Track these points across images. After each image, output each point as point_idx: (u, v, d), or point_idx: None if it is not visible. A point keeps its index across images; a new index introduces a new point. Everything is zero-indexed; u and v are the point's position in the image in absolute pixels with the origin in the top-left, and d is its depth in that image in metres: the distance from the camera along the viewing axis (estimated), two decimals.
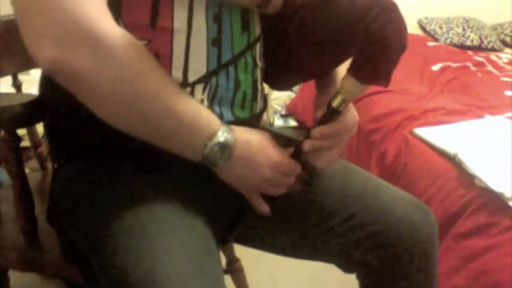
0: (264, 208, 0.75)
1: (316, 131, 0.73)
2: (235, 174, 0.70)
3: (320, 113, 0.76)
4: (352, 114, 0.78)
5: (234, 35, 0.72)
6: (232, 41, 0.71)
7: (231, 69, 0.72)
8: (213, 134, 0.65)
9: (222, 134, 0.66)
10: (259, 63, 0.79)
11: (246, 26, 0.74)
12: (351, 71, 0.70)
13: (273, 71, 0.83)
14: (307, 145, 0.73)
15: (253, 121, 0.78)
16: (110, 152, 0.71)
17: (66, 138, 0.76)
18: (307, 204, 0.81)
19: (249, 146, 0.69)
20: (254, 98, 0.78)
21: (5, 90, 1.13)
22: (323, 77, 0.84)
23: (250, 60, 0.75)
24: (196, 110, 0.65)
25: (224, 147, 0.66)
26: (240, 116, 0.75)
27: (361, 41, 0.67)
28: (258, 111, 0.80)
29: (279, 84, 0.90)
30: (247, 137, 0.70)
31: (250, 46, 0.75)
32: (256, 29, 0.77)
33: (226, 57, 0.71)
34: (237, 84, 0.73)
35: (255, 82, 0.77)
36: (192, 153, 0.66)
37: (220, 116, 0.71)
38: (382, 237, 0.77)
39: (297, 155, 0.74)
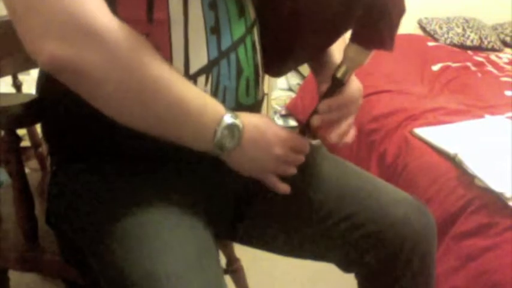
0: (284, 186, 0.74)
1: (323, 105, 0.74)
2: (247, 158, 0.70)
3: (324, 87, 0.76)
4: (356, 85, 0.78)
5: (231, 21, 0.71)
6: (230, 28, 0.71)
7: (232, 56, 0.72)
8: (220, 119, 0.65)
9: (229, 118, 0.66)
10: (258, 47, 0.78)
11: (242, 11, 0.73)
12: (354, 39, 0.70)
13: (269, 55, 0.83)
14: (315, 120, 0.73)
15: (257, 107, 0.79)
16: (108, 153, 0.71)
17: (64, 140, 0.76)
18: (306, 204, 0.81)
19: (257, 128, 0.69)
20: (257, 83, 0.78)
21: (5, 90, 1.13)
22: (319, 57, 0.84)
23: (249, 46, 0.75)
24: (200, 96, 0.65)
25: (233, 129, 0.66)
26: (245, 103, 0.75)
27: (357, 14, 0.68)
28: (260, 97, 0.80)
29: (276, 68, 0.90)
30: (253, 120, 0.70)
31: (249, 31, 0.75)
32: (251, 13, 0.76)
33: (226, 44, 0.71)
34: (240, 70, 0.73)
35: (256, 67, 0.77)
36: (201, 141, 0.66)
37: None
38: (381, 237, 0.77)
39: (305, 133, 0.74)
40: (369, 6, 0.66)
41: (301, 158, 0.74)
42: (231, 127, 0.66)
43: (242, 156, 0.69)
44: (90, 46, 0.57)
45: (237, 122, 0.66)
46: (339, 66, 0.73)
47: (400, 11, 0.68)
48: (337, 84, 0.73)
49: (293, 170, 0.74)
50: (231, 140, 0.66)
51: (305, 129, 0.75)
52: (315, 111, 0.74)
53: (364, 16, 0.68)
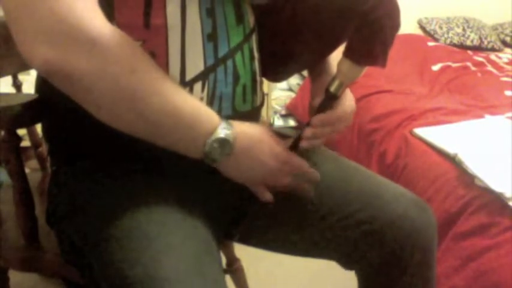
0: (267, 195, 0.74)
1: (317, 119, 0.74)
2: (238, 168, 0.69)
3: (318, 100, 0.76)
4: (349, 102, 0.78)
5: (229, 28, 0.71)
6: (228, 35, 0.71)
7: (229, 63, 0.72)
8: (213, 130, 0.65)
9: (222, 130, 0.65)
10: (256, 54, 0.78)
11: (240, 18, 0.73)
12: (346, 54, 0.70)
13: (268, 62, 0.83)
14: (308, 133, 0.74)
15: (254, 114, 0.79)
16: (108, 152, 0.71)
17: (64, 140, 0.76)
18: (307, 202, 0.81)
19: (250, 139, 0.69)
20: (254, 90, 0.78)
21: (5, 90, 1.13)
22: (317, 65, 0.84)
23: (247, 53, 0.75)
24: (195, 105, 0.65)
25: (224, 143, 0.65)
26: (241, 110, 0.75)
27: (354, 24, 0.68)
28: (258, 103, 0.80)
29: (274, 75, 0.90)
30: (247, 131, 0.69)
31: (247, 38, 0.75)
32: (251, 21, 0.77)
33: (223, 51, 0.71)
34: (236, 77, 0.73)
35: (253, 74, 0.77)
36: (192, 150, 0.66)
37: (219, 112, 0.70)
38: (382, 234, 0.77)
39: (297, 146, 0.74)
40: (365, 15, 0.66)
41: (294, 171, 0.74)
42: (222, 141, 0.65)
43: (233, 166, 0.69)
44: (79, 52, 0.57)
45: (229, 135, 0.65)
46: (333, 80, 0.73)
47: (395, 26, 0.68)
48: (331, 98, 0.74)
49: (286, 181, 0.73)
50: (221, 153, 0.66)
51: (298, 142, 0.75)
52: (308, 125, 0.74)
53: (357, 31, 0.68)
